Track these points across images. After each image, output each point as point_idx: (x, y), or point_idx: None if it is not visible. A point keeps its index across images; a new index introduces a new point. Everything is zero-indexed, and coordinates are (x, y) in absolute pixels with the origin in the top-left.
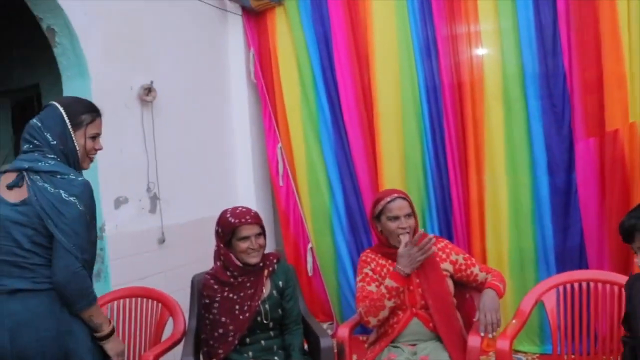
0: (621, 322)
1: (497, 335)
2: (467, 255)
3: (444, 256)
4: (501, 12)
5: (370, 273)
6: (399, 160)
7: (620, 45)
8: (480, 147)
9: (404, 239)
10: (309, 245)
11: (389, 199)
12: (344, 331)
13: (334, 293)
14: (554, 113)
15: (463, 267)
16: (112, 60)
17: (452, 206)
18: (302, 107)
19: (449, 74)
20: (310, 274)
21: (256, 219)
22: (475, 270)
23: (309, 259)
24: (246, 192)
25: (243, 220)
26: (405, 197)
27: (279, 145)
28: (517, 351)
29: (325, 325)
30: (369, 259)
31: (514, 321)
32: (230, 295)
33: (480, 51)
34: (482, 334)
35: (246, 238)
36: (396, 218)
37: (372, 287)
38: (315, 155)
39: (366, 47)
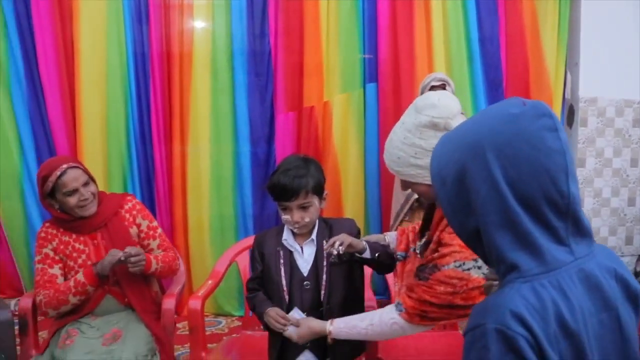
0: None
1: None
2: (155, 224)
3: (130, 218)
4: None
5: (52, 253)
6: (100, 123)
7: (319, 35)
8: (186, 116)
9: None
10: None
11: (58, 172)
12: (27, 302)
13: (24, 265)
14: (258, 87)
15: (143, 234)
16: None
17: (155, 173)
18: None
19: (159, 43)
20: None
21: None
22: (153, 243)
23: None
24: None
25: None
26: (76, 165)
27: None
28: (218, 314)
29: (13, 301)
30: (49, 236)
31: (209, 282)
32: None
33: (192, 23)
34: None
35: None
36: (75, 191)
37: (55, 270)
38: (4, 110)
39: (70, 1)
